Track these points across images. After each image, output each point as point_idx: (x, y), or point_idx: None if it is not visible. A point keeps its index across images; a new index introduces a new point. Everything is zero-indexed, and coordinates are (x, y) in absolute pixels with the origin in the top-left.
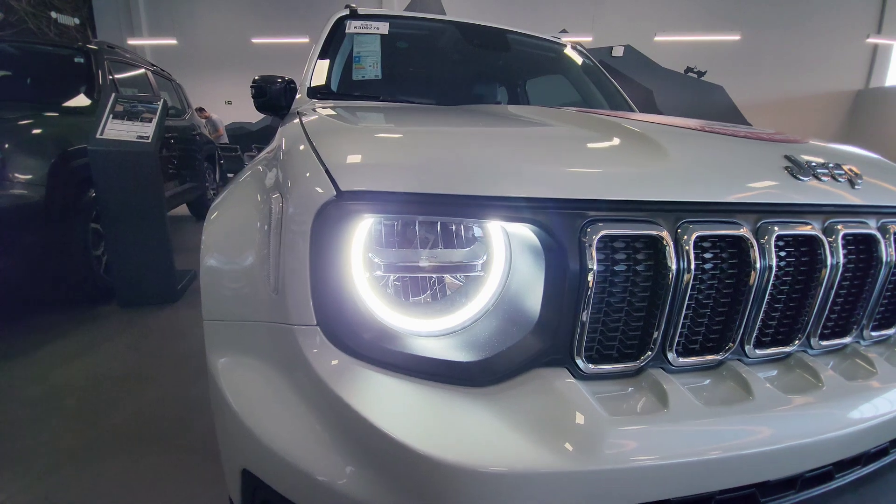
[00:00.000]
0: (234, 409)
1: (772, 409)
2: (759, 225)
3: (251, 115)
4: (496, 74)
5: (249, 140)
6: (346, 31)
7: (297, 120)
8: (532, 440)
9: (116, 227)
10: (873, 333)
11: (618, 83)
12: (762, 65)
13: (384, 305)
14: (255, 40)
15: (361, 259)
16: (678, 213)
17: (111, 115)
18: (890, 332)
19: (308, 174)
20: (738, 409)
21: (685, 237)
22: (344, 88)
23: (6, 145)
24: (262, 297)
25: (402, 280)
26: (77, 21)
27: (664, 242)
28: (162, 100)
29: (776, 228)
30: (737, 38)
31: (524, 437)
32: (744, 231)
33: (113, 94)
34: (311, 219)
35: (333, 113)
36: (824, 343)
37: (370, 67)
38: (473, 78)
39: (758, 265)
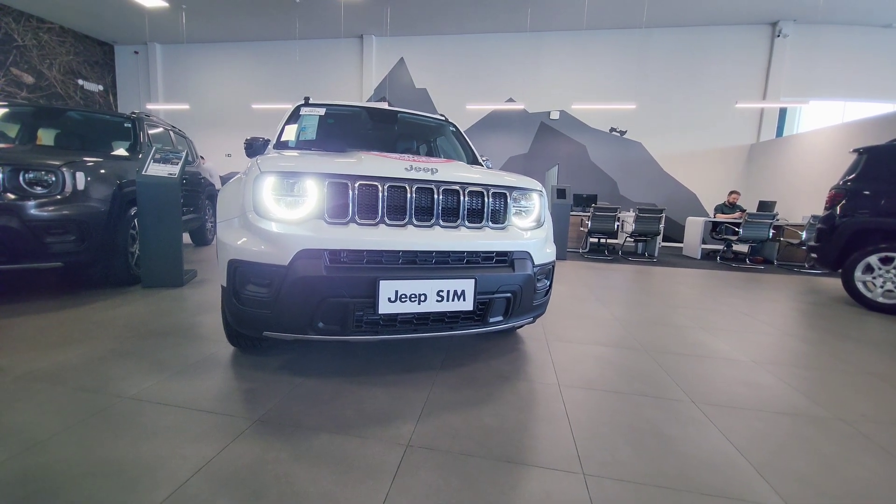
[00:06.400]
0: (224, 241)
1: (412, 234)
2: (388, 186)
3: (245, 166)
4: (388, 138)
5: None
6: (300, 112)
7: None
8: (311, 230)
9: (148, 232)
10: (468, 223)
11: (556, 140)
12: (670, 125)
13: (274, 205)
14: (254, 106)
15: (270, 191)
16: (356, 177)
17: (152, 160)
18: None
19: (253, 167)
20: (400, 232)
21: (355, 185)
22: (295, 145)
23: (88, 178)
24: (238, 208)
25: (280, 199)
26: (101, 88)
27: (350, 186)
28: (185, 151)
29: (389, 186)
30: (633, 107)
31: (310, 229)
32: (377, 183)
33: (153, 147)
34: (253, 180)
35: (275, 154)
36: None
37: (309, 132)
38: (374, 140)
39: (383, 194)
